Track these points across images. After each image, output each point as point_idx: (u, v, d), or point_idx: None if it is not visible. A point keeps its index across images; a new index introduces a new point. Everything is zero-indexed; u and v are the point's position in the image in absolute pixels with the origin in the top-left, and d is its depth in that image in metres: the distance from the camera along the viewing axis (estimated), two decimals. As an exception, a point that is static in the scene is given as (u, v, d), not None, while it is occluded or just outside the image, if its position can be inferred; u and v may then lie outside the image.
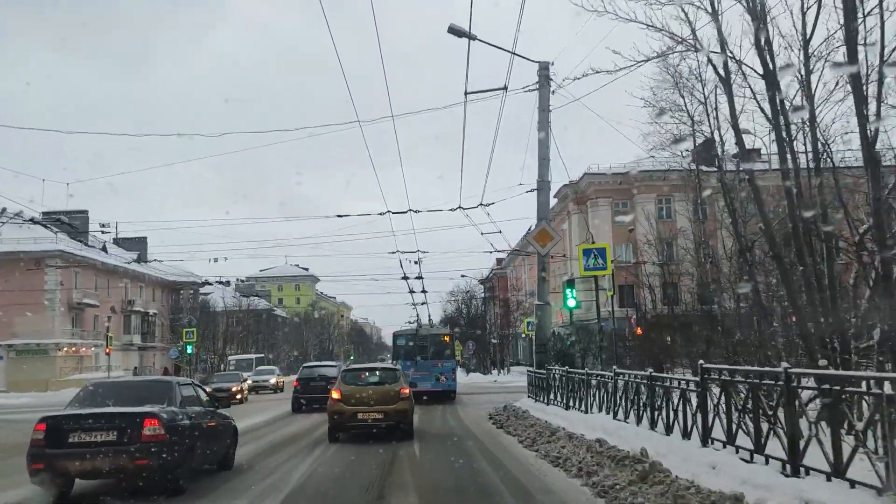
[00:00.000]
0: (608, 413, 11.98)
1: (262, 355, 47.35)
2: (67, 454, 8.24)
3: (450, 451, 13.49)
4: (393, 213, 20.01)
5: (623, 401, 10.87)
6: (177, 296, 65.10)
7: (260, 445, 14.41)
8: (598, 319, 20.78)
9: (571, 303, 20.76)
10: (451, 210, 19.83)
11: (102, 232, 24.76)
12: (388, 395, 14.81)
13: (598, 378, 12.75)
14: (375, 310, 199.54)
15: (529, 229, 62.31)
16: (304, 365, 30.36)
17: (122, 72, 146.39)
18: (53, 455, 8.25)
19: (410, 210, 19.88)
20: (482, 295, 60.75)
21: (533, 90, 19.46)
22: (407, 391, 15.30)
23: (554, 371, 17.56)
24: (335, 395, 14.81)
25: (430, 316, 40.10)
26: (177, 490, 8.70)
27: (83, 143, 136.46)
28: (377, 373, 16.27)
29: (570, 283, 20.90)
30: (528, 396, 20.28)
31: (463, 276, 59.25)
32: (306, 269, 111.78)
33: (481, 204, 19.65)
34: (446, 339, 29.71)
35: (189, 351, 48.69)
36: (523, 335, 61.63)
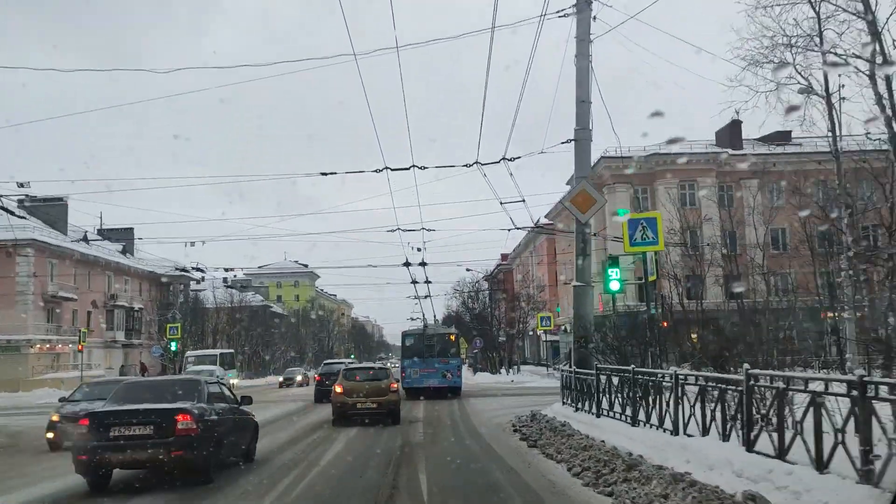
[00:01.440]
0: (726, 438, 7.49)
1: (231, 351, 41.67)
2: (109, 447, 8.65)
3: (469, 487, 9.22)
4: (392, 169, 15.48)
5: (777, 425, 6.37)
6: (166, 290, 60.68)
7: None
8: (647, 307, 16.33)
9: (615, 285, 16.36)
10: (466, 166, 15.37)
11: (27, 198, 20.03)
12: (381, 389, 17.19)
13: (707, 384, 8.17)
14: (377, 309, 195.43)
15: (539, 221, 58.30)
16: (325, 362, 34.29)
17: (117, 65, 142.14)
18: (96, 448, 8.64)
19: (414, 166, 15.40)
20: (486, 289, 56.17)
21: (569, 14, 15.01)
22: (396, 386, 17.87)
23: (602, 370, 13.10)
24: (338, 389, 17.33)
25: (433, 311, 37.17)
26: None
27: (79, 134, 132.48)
28: (371, 371, 18.86)
29: (614, 261, 16.47)
30: (564, 403, 15.83)
31: (468, 269, 54.85)
32: (305, 266, 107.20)
33: (504, 158, 15.22)
34: (452, 338, 30.36)
35: (173, 348, 44.26)
36: (532, 332, 57.07)
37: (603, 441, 10.59)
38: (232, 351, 40.84)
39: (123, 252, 56.30)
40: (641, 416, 10.33)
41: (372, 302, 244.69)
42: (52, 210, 48.53)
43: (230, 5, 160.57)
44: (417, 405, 25.48)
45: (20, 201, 48.16)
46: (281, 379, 45.50)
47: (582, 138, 15.21)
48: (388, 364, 60.82)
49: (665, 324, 37.46)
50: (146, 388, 10.54)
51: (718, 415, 7.81)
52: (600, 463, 9.15)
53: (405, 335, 30.97)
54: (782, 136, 46.23)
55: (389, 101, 20.36)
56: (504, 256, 79.05)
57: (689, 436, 8.48)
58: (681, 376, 8.83)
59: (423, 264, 30.09)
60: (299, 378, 44.29)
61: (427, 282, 35.26)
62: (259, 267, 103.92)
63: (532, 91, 16.39)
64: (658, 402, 9.61)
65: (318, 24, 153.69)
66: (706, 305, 40.78)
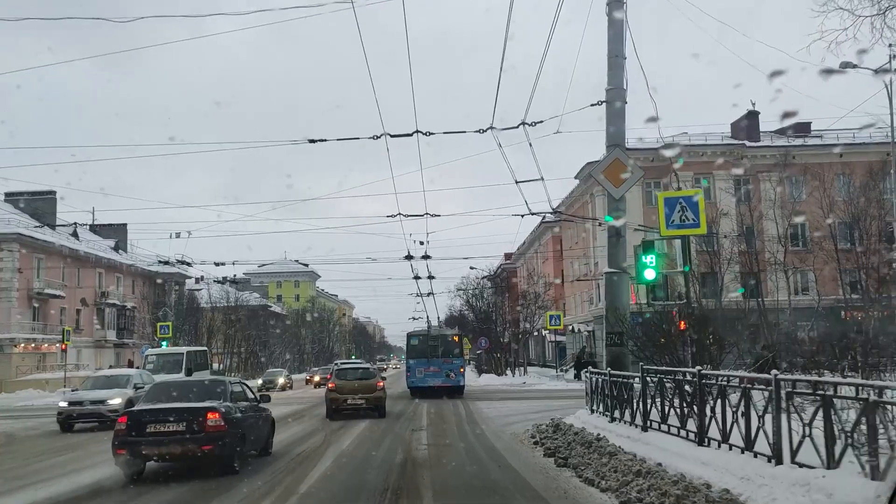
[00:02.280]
0: (879, 476, 5.04)
1: (203, 349, 36.43)
2: (146, 441, 9.52)
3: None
4: (392, 136, 13.02)
5: None
6: (161, 289, 58.22)
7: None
8: (686, 299, 13.97)
9: (650, 274, 13.89)
10: (479, 132, 12.91)
11: None
12: (369, 387, 19.26)
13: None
14: (378, 310, 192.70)
15: (545, 218, 55.24)
16: (335, 363, 35.48)
17: (113, 62, 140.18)
18: (134, 442, 9.52)
19: (417, 132, 12.93)
20: (490, 287, 53.60)
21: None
22: (381, 384, 19.84)
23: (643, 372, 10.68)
24: (331, 386, 19.50)
25: (436, 310, 36.64)
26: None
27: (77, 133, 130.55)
28: (360, 371, 20.89)
29: (648, 247, 14.03)
30: (593, 411, 13.39)
31: (472, 268, 52.45)
32: (306, 266, 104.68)
33: (523, 123, 12.77)
34: (455, 339, 30.90)
35: (164, 347, 41.85)
36: (536, 332, 54.40)
37: (660, 464, 8.15)
38: (204, 349, 35.41)
39: (116, 249, 53.91)
40: (713, 432, 7.87)
41: (373, 303, 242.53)
42: (40, 204, 46.22)
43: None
44: (420, 408, 23.20)
45: (7, 195, 46.01)
46: (259, 382, 39.04)
47: (615, 99, 12.81)
48: (390, 365, 58.67)
49: (683, 324, 35.17)
50: (176, 388, 11.27)
51: (834, 438, 5.34)
52: (669, 497, 6.72)
53: (410, 336, 31.51)
54: (802, 128, 43.82)
55: (390, 78, 17.96)
56: (508, 256, 76.57)
57: (800, 465, 6.03)
58: (785, 382, 6.37)
59: (425, 257, 27.70)
60: (281, 381, 39.79)
61: (430, 277, 32.99)
62: (259, 266, 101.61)
63: (554, 68, 14.00)
64: (747, 416, 7.14)
65: (320, 17, 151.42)
66: (721, 304, 38.41)
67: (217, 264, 32.60)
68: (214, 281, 35.29)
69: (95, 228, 54.46)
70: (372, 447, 13.21)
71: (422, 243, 28.94)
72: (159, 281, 60.37)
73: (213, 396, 10.38)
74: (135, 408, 10.74)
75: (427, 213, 18.95)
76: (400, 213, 18.93)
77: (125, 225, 54.79)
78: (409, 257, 27.54)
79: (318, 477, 9.85)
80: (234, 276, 64.07)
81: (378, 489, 8.80)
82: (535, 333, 55.54)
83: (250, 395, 11.98)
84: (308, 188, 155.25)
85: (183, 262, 26.18)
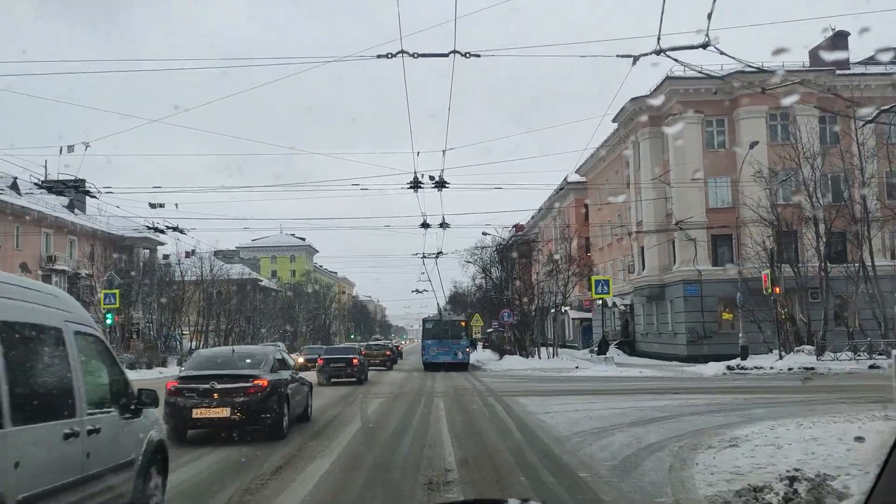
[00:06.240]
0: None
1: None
2: (329, 368, 23.66)
3: None
4: None
5: None
6: (129, 257, 48.73)
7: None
8: None
9: None
10: None
11: None
12: (382, 354, 35.23)
13: None
14: (380, 291, 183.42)
15: (567, 178, 45.40)
16: (367, 343, 42.64)
17: (107, 32, 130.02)
18: (326, 370, 23.57)
19: None
20: (518, 242, 44.16)
21: None
22: (389, 353, 36.30)
23: None
24: (364, 352, 29.64)
25: (439, 275, 34.99)
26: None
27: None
28: (379, 345, 38.62)
29: None
30: None
31: (485, 233, 43.19)
32: (303, 240, 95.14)
33: None
34: (462, 324, 35.24)
35: (109, 321, 32.68)
36: (554, 309, 44.19)
37: None
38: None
39: (71, 208, 44.43)
40: None
41: (374, 280, 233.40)
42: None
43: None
44: (437, 411, 14.13)
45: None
46: None
47: None
48: (391, 343, 50.61)
49: (777, 289, 25.72)
50: (339, 349, 27.35)
51: None
52: None
53: (425, 321, 36.60)
54: (898, 54, 34.42)
55: None
56: (519, 227, 66.92)
57: None
58: None
59: (440, 185, 18.38)
60: None
61: (443, 225, 23.70)
62: (253, 240, 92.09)
63: None
64: None
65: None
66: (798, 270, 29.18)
67: (153, 206, 23.56)
68: (180, 238, 25.61)
69: (49, 184, 44.90)
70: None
71: (432, 178, 19.31)
72: (158, 254, 51.36)
73: (354, 352, 25.18)
74: (323, 356, 25.11)
75: (454, 51, 9.50)
76: (404, 53, 9.48)
77: (83, 181, 45.03)
78: (415, 185, 18.30)
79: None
80: (229, 249, 54.02)
81: None
82: (553, 310, 45.62)
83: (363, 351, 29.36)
84: (309, 164, 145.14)
85: (77, 189, 17.47)
